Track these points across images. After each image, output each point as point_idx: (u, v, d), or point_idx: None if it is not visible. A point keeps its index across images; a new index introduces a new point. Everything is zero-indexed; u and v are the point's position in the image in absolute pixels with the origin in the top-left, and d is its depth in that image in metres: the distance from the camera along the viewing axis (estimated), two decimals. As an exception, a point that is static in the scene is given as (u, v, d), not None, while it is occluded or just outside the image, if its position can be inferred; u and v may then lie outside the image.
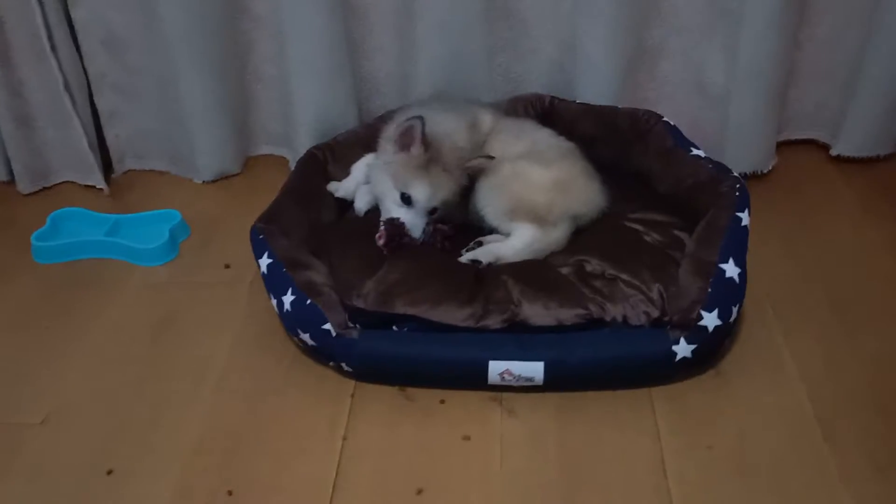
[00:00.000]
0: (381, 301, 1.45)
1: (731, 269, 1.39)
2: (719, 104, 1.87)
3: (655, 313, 1.41)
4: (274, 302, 1.50)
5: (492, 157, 1.62)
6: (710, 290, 1.36)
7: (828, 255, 1.70)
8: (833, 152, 1.97)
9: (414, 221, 1.59)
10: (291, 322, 1.46)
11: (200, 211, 1.95)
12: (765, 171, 1.93)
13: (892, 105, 1.88)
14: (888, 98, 1.87)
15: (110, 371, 1.52)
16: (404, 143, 1.57)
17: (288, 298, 1.45)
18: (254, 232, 1.59)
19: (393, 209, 1.60)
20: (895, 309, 1.55)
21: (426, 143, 1.56)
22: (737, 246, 1.42)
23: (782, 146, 1.99)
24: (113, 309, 1.67)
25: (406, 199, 1.59)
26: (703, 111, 1.90)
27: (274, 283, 1.49)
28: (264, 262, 1.53)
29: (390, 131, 1.63)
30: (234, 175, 2.09)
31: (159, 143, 2.08)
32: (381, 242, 1.58)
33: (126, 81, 1.99)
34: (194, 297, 1.69)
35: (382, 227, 1.59)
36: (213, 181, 2.07)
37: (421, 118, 1.53)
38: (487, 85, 1.95)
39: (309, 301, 1.42)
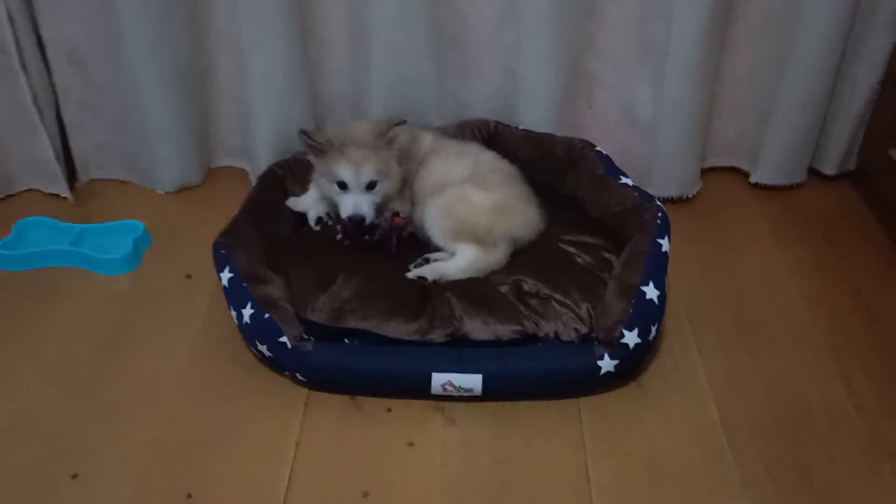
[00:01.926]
0: (334, 316, 1.57)
1: (651, 292, 1.54)
2: (648, 133, 2.03)
3: (584, 330, 1.55)
4: (234, 314, 1.60)
5: (404, 121, 1.75)
6: (631, 310, 1.51)
7: (741, 277, 1.87)
8: (752, 180, 2.15)
9: (358, 200, 1.71)
10: (250, 334, 1.56)
11: (162, 221, 2.03)
12: (690, 196, 2.10)
13: (802, 137, 2.06)
14: (799, 130, 2.05)
15: (69, 377, 1.59)
16: (310, 150, 1.75)
17: (247, 312, 1.56)
18: (216, 247, 1.68)
19: (343, 202, 1.73)
20: (795, 329, 1.72)
21: (322, 139, 1.71)
22: (657, 270, 1.58)
23: (707, 172, 2.17)
24: (73, 316, 1.74)
25: (342, 185, 1.72)
26: (634, 139, 2.06)
27: (234, 296, 1.60)
28: (225, 276, 1.63)
29: (303, 148, 1.79)
30: (195, 186, 2.17)
31: (123, 154, 2.15)
32: (338, 237, 1.74)
33: (91, 96, 2.05)
34: (155, 305, 1.77)
35: (340, 226, 1.74)
36: (175, 192, 2.15)
37: (302, 130, 1.73)
38: (437, 108, 2.07)
39: (267, 315, 1.53)
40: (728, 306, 1.77)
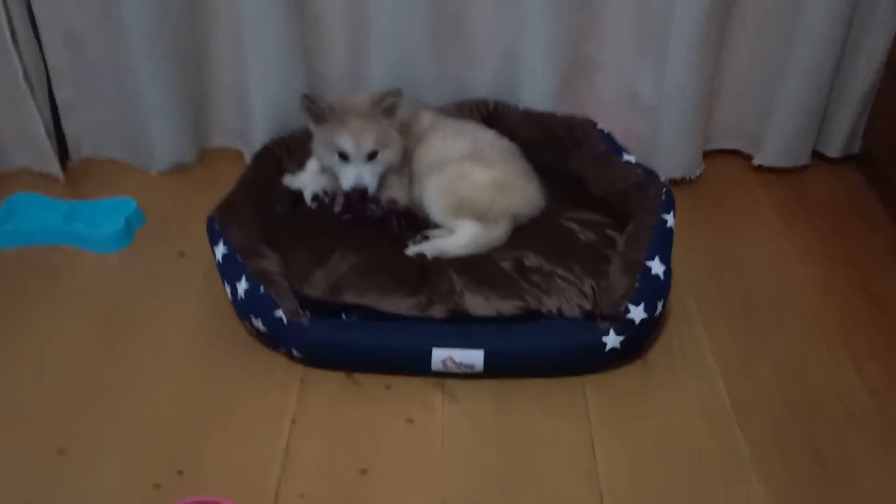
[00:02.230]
0: (331, 291, 1.53)
1: (656, 267, 1.51)
2: (650, 114, 2.00)
3: (588, 306, 1.52)
4: (228, 289, 1.56)
5: (400, 91, 1.72)
6: (637, 285, 1.48)
7: (746, 258, 1.84)
8: (755, 162, 2.12)
9: (360, 170, 1.69)
10: (244, 309, 1.52)
11: (155, 200, 1.98)
12: (692, 178, 2.07)
13: (806, 119, 2.04)
14: (803, 113, 2.02)
15: (60, 355, 1.55)
16: (312, 117, 1.72)
17: (242, 286, 1.51)
18: (210, 221, 1.64)
19: (345, 173, 1.71)
20: (801, 310, 1.69)
21: (325, 106, 1.70)
22: (662, 245, 1.54)
23: (710, 155, 2.14)
24: (64, 295, 1.70)
25: (343, 156, 1.70)
26: (636, 120, 2.03)
27: (228, 270, 1.55)
28: (219, 250, 1.59)
29: (304, 116, 1.76)
30: (188, 166, 2.13)
31: (116, 133, 2.10)
32: (337, 210, 1.71)
33: (84, 73, 2.01)
34: (148, 283, 1.74)
35: (341, 197, 1.71)
36: (169, 171, 2.11)
37: (306, 94, 1.72)
38: (437, 89, 2.04)
39: (262, 289, 1.49)
40: (734, 289, 1.74)
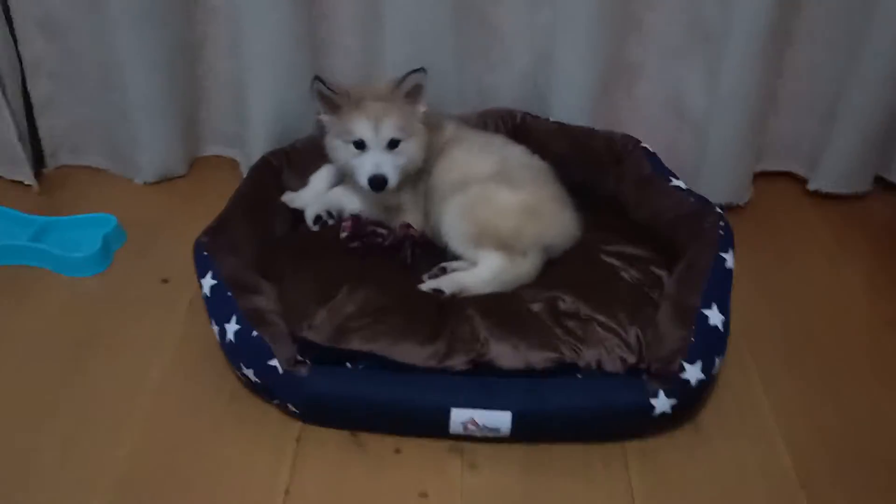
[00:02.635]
0: (336, 335, 1.32)
1: (714, 316, 1.30)
2: (698, 129, 1.80)
3: (632, 359, 1.31)
4: (216, 329, 1.35)
5: (423, 70, 1.54)
6: (692, 339, 1.27)
7: (804, 294, 1.63)
8: (810, 187, 1.91)
9: (378, 158, 1.52)
10: (234, 354, 1.32)
11: (139, 215, 1.80)
12: (741, 204, 1.86)
13: (871, 140, 1.83)
14: (868, 132, 1.81)
15: (24, 397, 1.36)
16: (324, 103, 1.56)
17: (231, 328, 1.31)
18: (198, 247, 1.44)
19: (361, 164, 1.53)
20: (871, 352, 1.49)
21: (340, 90, 1.53)
22: (721, 290, 1.34)
23: (758, 178, 1.92)
24: (31, 325, 1.51)
25: (359, 144, 1.53)
26: (681, 135, 1.83)
27: (217, 307, 1.35)
28: (207, 282, 1.38)
29: (315, 103, 1.59)
30: (178, 177, 1.95)
31: (98, 137, 1.92)
32: (344, 235, 1.52)
33: (64, 68, 1.83)
34: (126, 314, 1.55)
35: (348, 221, 1.54)
36: (156, 182, 1.92)
37: (317, 77, 1.54)
38: (457, 94, 1.84)
39: (254, 333, 1.28)
40: (793, 329, 1.54)
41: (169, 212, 1.82)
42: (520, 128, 1.79)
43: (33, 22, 1.77)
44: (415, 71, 1.54)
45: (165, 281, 1.62)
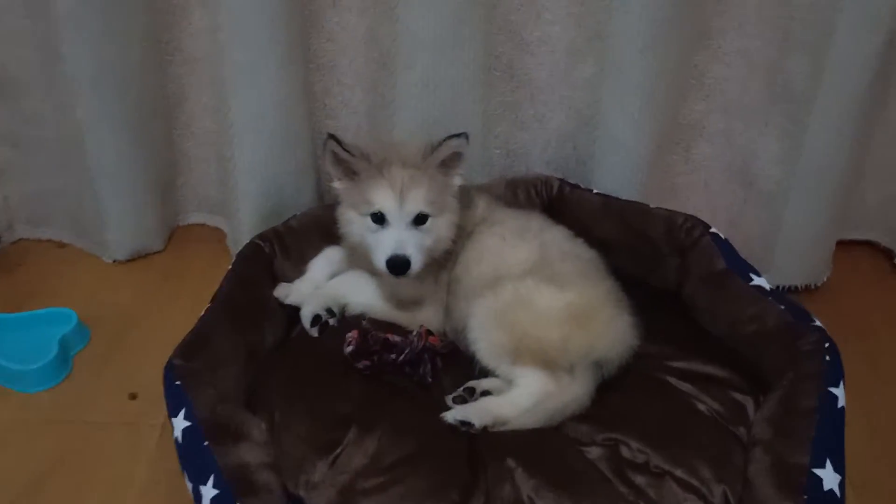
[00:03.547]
0: (341, 500, 1.07)
1: (829, 478, 1.01)
2: (770, 201, 1.55)
3: (719, 529, 1.04)
4: (189, 487, 1.07)
5: (465, 135, 1.32)
6: (804, 513, 0.99)
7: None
8: (898, 261, 1.65)
9: (401, 236, 1.29)
10: (212, 527, 1.04)
11: (106, 305, 1.56)
12: (817, 285, 1.61)
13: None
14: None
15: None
16: (339, 167, 1.34)
17: (208, 492, 1.03)
18: (168, 374, 1.17)
19: (380, 242, 1.30)
20: None
21: (358, 152, 1.32)
22: (834, 440, 1.05)
23: (836, 251, 1.64)
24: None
25: (378, 218, 1.30)
26: (748, 208, 1.59)
27: (191, 460, 1.08)
28: (179, 423, 1.11)
29: (326, 166, 1.38)
30: (154, 253, 1.71)
31: (61, 208, 1.71)
32: (348, 350, 1.26)
33: (21, 132, 1.64)
34: (84, 442, 1.30)
35: (354, 334, 1.27)
36: (128, 261, 1.69)
37: (331, 135, 1.32)
38: (481, 158, 1.60)
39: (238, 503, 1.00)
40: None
41: (142, 299, 1.58)
42: (556, 201, 1.53)
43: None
44: (455, 136, 1.31)
45: (133, 397, 1.38)
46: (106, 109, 1.52)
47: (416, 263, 1.28)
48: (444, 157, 1.32)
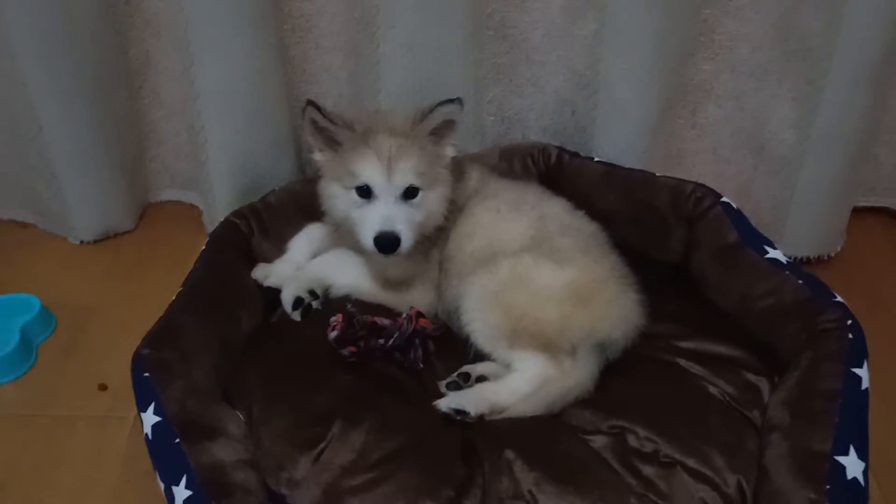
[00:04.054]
0: (326, 499, 1.01)
1: (852, 466, 0.95)
2: (782, 168, 1.48)
3: (733, 520, 0.97)
4: (162, 487, 0.99)
5: (459, 100, 1.22)
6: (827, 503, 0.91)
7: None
8: (916, 228, 1.57)
9: (389, 211, 1.20)
10: (185, 530, 0.96)
11: (72, 290, 1.48)
12: (830, 256, 1.53)
13: None
14: None
15: None
16: (319, 136, 1.25)
17: (181, 493, 0.96)
18: (136, 365, 1.09)
19: (365, 217, 1.21)
20: None
21: (341, 120, 1.22)
22: (857, 425, 0.99)
23: (849, 220, 1.56)
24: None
25: (364, 191, 1.21)
26: (758, 175, 1.52)
27: (162, 459, 1.01)
28: (149, 419, 1.04)
29: (306, 136, 1.29)
30: (124, 233, 1.62)
31: (20, 187, 1.60)
32: (332, 336, 1.18)
33: None
34: (49, 438, 1.23)
35: (338, 319, 1.18)
36: (96, 241, 1.59)
37: (310, 101, 1.22)
38: (473, 125, 1.52)
39: (211, 505, 0.92)
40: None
41: (111, 283, 1.50)
42: (555, 170, 1.45)
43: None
44: (447, 102, 1.22)
45: (103, 388, 1.30)
46: (58, 80, 1.41)
47: (407, 240, 1.20)
48: (435, 124, 1.24)
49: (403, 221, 1.20)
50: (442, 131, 1.23)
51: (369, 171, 1.21)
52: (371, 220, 1.21)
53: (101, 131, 1.48)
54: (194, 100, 1.43)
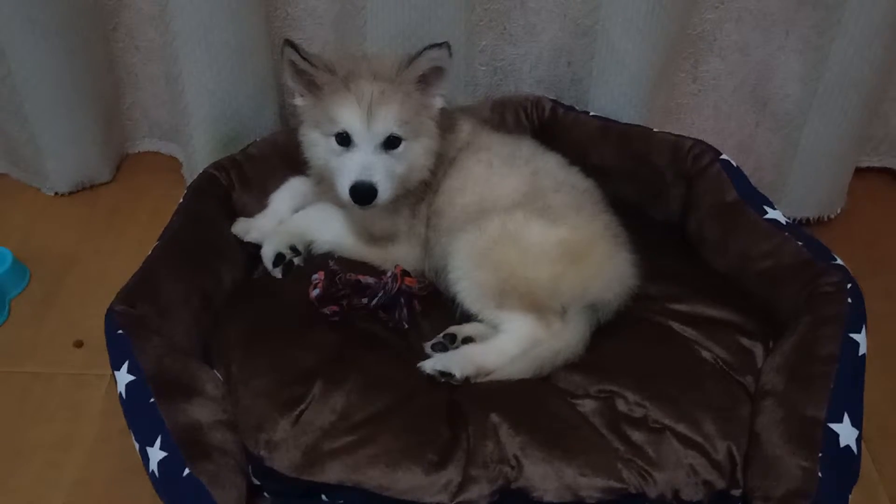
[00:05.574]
0: (306, 461, 0.97)
1: (846, 433, 0.94)
2: (785, 125, 1.43)
3: (721, 484, 0.98)
4: (136, 446, 0.96)
5: (446, 44, 1.16)
6: (820, 473, 0.90)
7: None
8: (918, 189, 1.53)
9: (367, 160, 1.15)
10: (160, 492, 0.94)
11: (47, 242, 1.44)
12: (830, 217, 1.50)
13: None
14: None
15: None
16: (299, 79, 1.20)
17: (155, 454, 0.93)
18: (110, 321, 1.05)
19: (344, 166, 1.16)
20: None
21: (321, 63, 1.17)
22: (852, 392, 0.97)
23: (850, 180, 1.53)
24: None
25: (343, 138, 1.17)
26: (760, 131, 1.47)
27: (137, 419, 0.98)
28: (123, 377, 1.00)
29: (286, 79, 1.24)
30: (101, 184, 1.56)
31: None
32: (314, 294, 1.14)
33: None
34: (23, 396, 1.20)
35: (320, 276, 1.15)
36: (71, 193, 1.54)
37: (288, 41, 1.17)
38: (464, 75, 1.46)
39: (186, 470, 0.89)
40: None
41: (87, 236, 1.46)
42: (549, 124, 1.40)
43: None
44: (435, 46, 1.16)
45: (79, 345, 1.27)
46: (29, 21, 1.34)
47: (385, 192, 1.15)
48: (422, 71, 1.17)
49: (382, 172, 1.15)
50: (429, 79, 1.17)
51: (348, 116, 1.15)
52: (348, 168, 1.16)
53: (74, 74, 1.42)
54: (171, 43, 1.35)
